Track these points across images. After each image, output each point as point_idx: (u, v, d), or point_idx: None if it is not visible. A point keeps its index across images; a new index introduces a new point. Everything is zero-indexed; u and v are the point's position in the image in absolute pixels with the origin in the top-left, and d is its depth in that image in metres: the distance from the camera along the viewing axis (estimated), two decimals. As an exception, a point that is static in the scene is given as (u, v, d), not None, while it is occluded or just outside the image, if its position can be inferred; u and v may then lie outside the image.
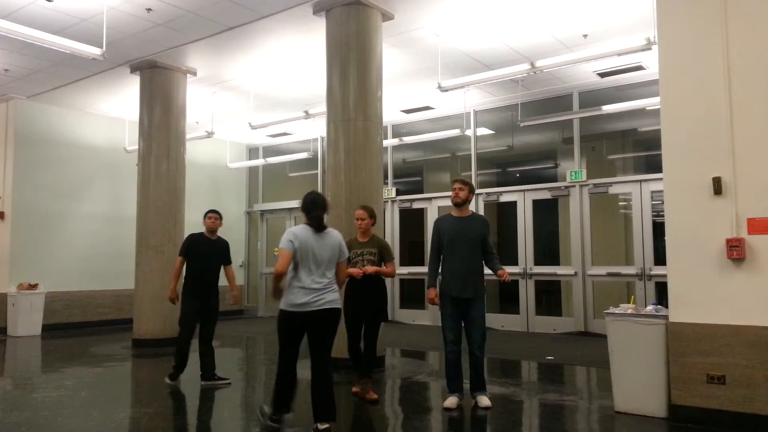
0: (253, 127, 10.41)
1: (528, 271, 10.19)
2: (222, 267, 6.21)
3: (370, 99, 6.84)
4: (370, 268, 5.32)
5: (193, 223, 11.68)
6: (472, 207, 10.26)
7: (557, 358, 7.47)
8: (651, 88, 8.62)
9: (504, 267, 5.13)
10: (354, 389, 5.50)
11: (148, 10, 7.13)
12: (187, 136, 9.71)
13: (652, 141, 8.90)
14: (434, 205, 11.38)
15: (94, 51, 7.05)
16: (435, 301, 5.11)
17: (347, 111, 6.76)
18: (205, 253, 6.07)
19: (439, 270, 5.18)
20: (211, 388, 5.79)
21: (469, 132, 10.85)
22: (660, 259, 8.76)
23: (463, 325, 5.07)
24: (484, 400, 5.03)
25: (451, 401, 5.03)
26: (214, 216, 6.26)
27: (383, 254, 5.50)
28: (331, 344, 4.34)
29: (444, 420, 4.89)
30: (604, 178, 9.76)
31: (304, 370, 4.37)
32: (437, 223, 5.30)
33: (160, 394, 5.75)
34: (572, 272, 9.73)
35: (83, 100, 10.78)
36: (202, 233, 6.23)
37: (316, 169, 13.18)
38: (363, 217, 5.52)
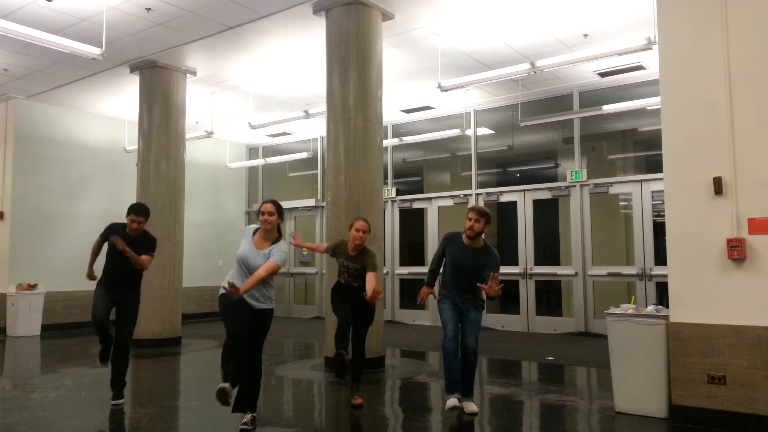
0: (252, 127, 10.40)
1: (528, 271, 10.18)
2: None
3: (370, 99, 6.84)
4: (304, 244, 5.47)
5: (194, 223, 11.77)
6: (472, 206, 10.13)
7: (558, 358, 7.46)
8: (651, 87, 8.61)
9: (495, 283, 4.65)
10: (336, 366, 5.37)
11: (148, 9, 7.12)
12: (187, 136, 9.70)
13: (653, 141, 8.90)
14: (434, 205, 11.37)
15: (94, 51, 7.04)
16: (422, 298, 4.99)
17: (347, 111, 6.75)
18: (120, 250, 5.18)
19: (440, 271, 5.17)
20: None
21: (469, 132, 10.84)
22: (660, 259, 8.75)
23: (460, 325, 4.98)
24: (471, 406, 4.87)
25: (452, 402, 4.96)
26: (137, 220, 5.28)
27: (366, 265, 5.11)
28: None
29: (444, 420, 4.88)
30: (604, 178, 9.75)
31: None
32: (447, 240, 5.07)
33: (160, 394, 5.74)
34: (572, 272, 9.72)
35: (83, 100, 10.78)
36: (124, 225, 5.34)
37: (316, 169, 13.18)
38: (365, 230, 5.12)
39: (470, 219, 4.84)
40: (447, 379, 4.98)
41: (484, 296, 4.88)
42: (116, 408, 5.13)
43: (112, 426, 4.62)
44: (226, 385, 4.26)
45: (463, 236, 4.94)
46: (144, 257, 5.26)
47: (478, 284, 4.69)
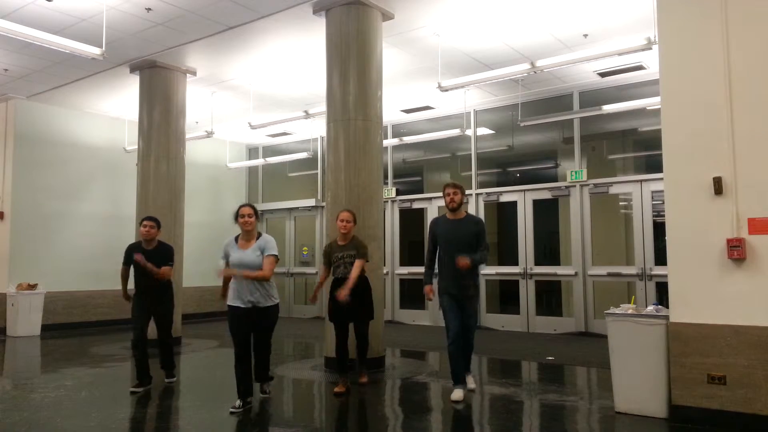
0: (252, 127, 10.40)
1: (528, 271, 10.18)
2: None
3: (370, 99, 6.84)
4: (344, 292, 5.33)
5: (194, 223, 11.77)
6: (472, 207, 10.26)
7: (558, 358, 7.46)
8: (651, 87, 8.61)
9: (470, 257, 5.06)
10: (336, 389, 5.56)
11: (148, 9, 7.12)
12: (187, 136, 9.71)
13: (653, 141, 8.89)
14: (434, 205, 11.37)
15: (94, 51, 7.04)
16: (430, 296, 5.36)
17: (347, 111, 6.75)
18: (139, 265, 5.73)
19: (436, 269, 5.40)
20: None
21: (469, 132, 10.84)
22: (660, 259, 8.75)
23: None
24: (469, 382, 5.41)
25: (458, 394, 5.20)
26: (149, 224, 5.84)
27: (361, 254, 5.58)
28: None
29: (444, 420, 4.89)
30: (604, 178, 9.76)
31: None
32: (432, 225, 5.47)
33: (160, 394, 5.74)
34: (572, 272, 9.72)
35: (83, 100, 10.78)
36: (139, 243, 5.96)
37: (316, 169, 13.18)
38: (349, 220, 5.58)
39: (448, 194, 5.26)
40: (453, 372, 5.31)
41: (477, 281, 5.37)
42: (169, 384, 6.00)
43: (112, 426, 4.62)
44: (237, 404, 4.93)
45: (446, 214, 5.38)
46: (164, 269, 5.76)
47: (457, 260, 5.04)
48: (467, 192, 10.78)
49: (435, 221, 5.51)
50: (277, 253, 4.98)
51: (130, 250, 5.92)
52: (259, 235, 5.04)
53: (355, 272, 5.39)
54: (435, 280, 5.36)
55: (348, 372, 5.69)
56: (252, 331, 4.95)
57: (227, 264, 4.99)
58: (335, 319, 5.63)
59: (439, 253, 5.36)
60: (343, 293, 5.28)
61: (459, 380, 5.27)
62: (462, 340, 5.25)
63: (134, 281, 5.87)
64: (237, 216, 4.98)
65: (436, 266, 5.43)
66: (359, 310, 5.55)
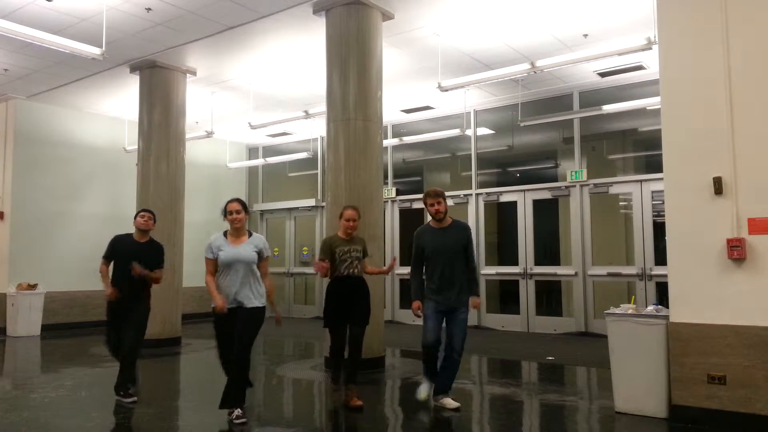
0: (252, 127, 10.41)
1: (528, 271, 10.18)
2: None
3: (370, 99, 6.84)
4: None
5: (194, 223, 11.76)
6: (472, 207, 10.24)
7: (558, 358, 7.46)
8: (651, 87, 8.61)
9: (477, 295, 5.12)
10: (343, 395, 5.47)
11: (148, 9, 7.12)
12: (187, 136, 9.71)
13: (653, 141, 8.89)
14: (434, 205, 11.35)
15: (94, 51, 7.05)
16: (417, 313, 4.98)
17: (347, 111, 6.75)
18: (130, 256, 5.35)
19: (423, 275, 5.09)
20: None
21: (469, 132, 10.84)
22: (660, 259, 8.75)
23: (444, 325, 4.98)
24: (451, 403, 4.95)
25: (423, 392, 5.07)
26: (147, 215, 5.61)
27: (365, 252, 5.33)
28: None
29: (444, 420, 4.88)
30: (604, 178, 9.76)
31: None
32: (417, 235, 5.11)
33: (160, 394, 5.74)
34: (572, 272, 9.72)
35: (83, 100, 10.78)
36: (130, 234, 5.61)
37: (316, 169, 13.18)
38: (356, 218, 5.18)
39: (432, 204, 4.94)
40: (425, 373, 5.10)
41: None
42: (131, 406, 5.19)
43: (112, 426, 4.62)
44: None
45: (431, 223, 5.09)
46: (158, 274, 5.52)
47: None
48: (468, 193, 10.85)
49: (419, 232, 5.11)
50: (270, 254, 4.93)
51: (117, 243, 5.54)
52: (250, 233, 4.81)
53: (382, 270, 5.66)
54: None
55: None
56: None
57: (217, 260, 4.66)
58: (333, 322, 5.20)
59: (428, 266, 5.01)
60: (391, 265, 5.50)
61: (431, 380, 5.05)
62: (447, 361, 4.98)
63: (114, 280, 5.45)
64: (225, 213, 4.74)
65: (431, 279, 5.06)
66: (358, 310, 5.15)
